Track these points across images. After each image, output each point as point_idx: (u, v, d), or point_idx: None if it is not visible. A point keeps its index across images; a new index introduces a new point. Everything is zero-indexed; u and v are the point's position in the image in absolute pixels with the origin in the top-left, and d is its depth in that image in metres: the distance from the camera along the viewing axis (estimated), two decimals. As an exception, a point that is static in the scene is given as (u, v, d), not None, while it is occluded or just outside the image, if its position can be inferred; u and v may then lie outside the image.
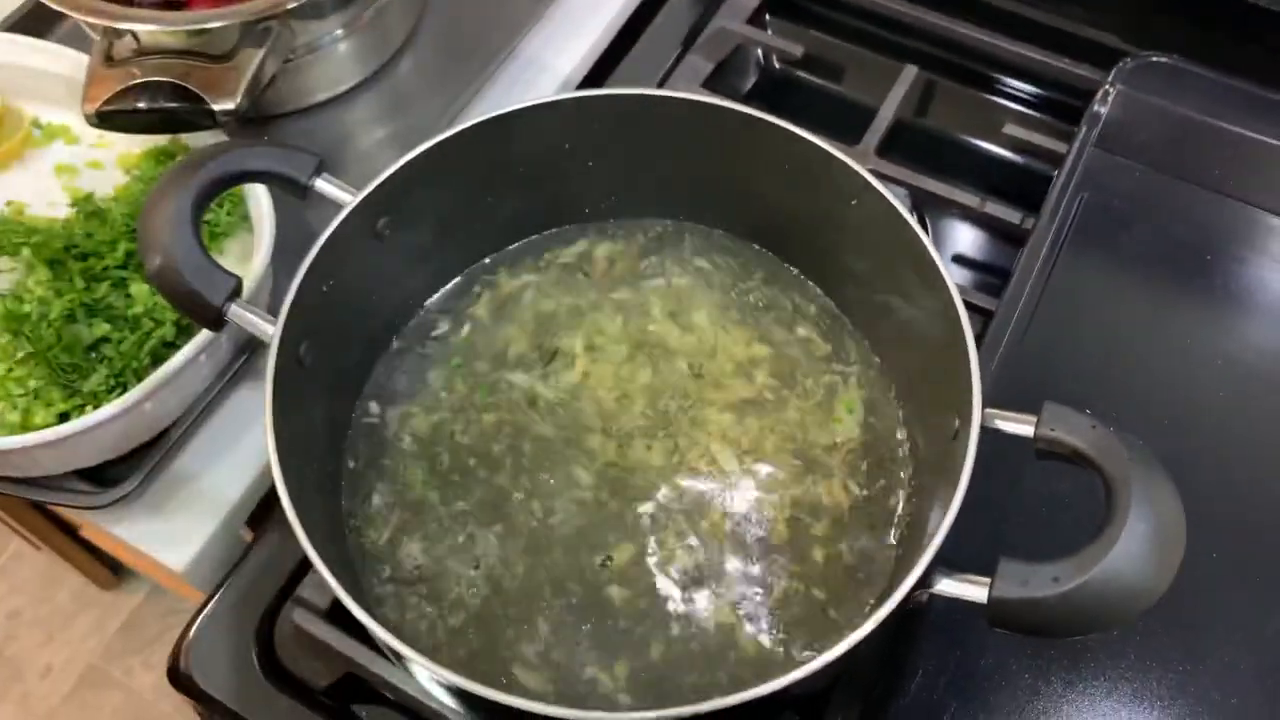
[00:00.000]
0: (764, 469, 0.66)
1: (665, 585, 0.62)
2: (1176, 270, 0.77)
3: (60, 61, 0.83)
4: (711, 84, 0.92)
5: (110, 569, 1.58)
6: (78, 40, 0.81)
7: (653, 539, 0.63)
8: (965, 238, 0.87)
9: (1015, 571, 0.49)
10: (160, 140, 0.81)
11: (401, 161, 0.63)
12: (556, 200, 0.74)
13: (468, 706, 0.60)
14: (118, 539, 0.72)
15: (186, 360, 0.67)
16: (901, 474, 0.66)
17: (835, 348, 0.71)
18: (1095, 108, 0.83)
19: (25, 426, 0.67)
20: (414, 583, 0.63)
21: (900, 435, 0.67)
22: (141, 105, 0.72)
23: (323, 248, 0.60)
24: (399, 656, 0.53)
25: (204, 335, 0.69)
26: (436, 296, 0.73)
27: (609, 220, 0.75)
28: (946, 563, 0.51)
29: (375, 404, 0.69)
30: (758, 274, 0.73)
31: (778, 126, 0.65)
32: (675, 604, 0.62)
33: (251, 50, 0.73)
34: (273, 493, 0.54)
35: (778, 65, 0.98)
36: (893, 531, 0.64)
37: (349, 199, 0.62)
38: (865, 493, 0.65)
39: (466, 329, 0.72)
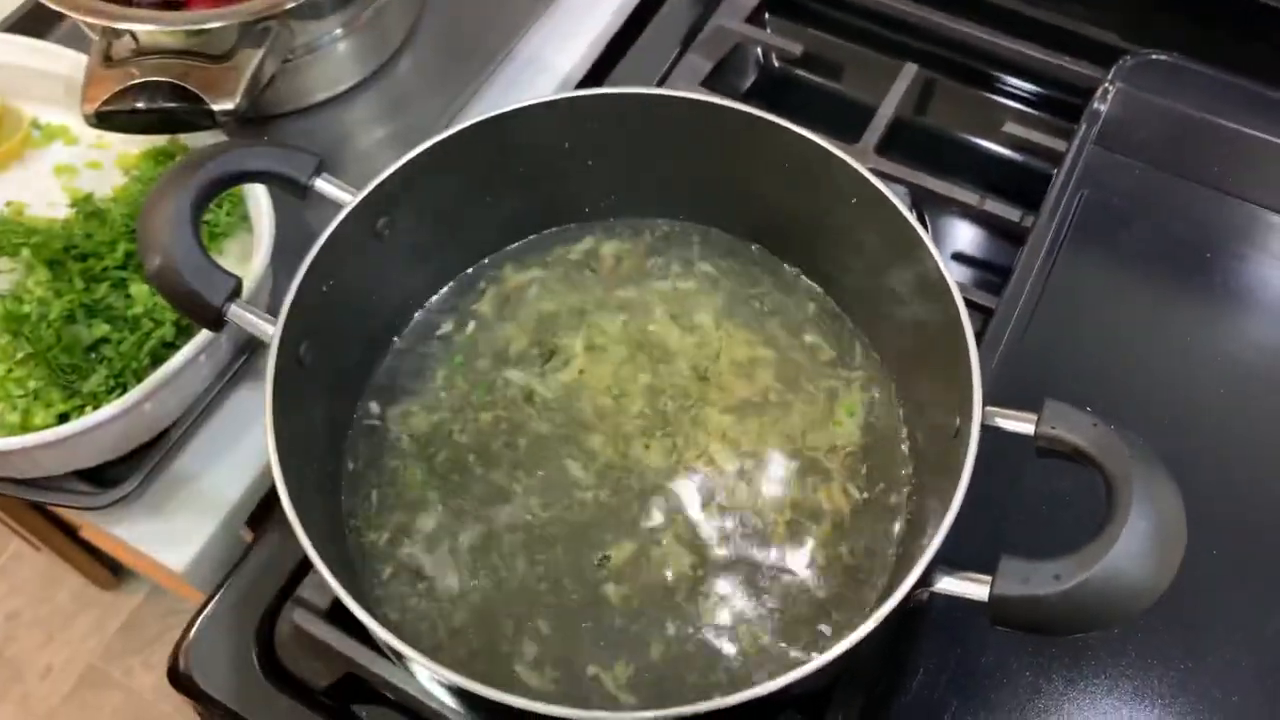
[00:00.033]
0: (764, 470, 0.66)
1: (664, 584, 0.62)
2: (1177, 268, 0.77)
3: (59, 62, 0.82)
4: (711, 83, 0.92)
5: (110, 569, 1.58)
6: (77, 40, 0.81)
7: (651, 538, 0.63)
8: (965, 236, 0.87)
9: (1016, 569, 0.49)
10: (159, 140, 0.81)
11: (401, 161, 0.63)
12: (556, 200, 0.74)
13: (469, 706, 0.60)
14: (118, 539, 0.72)
15: (186, 360, 0.67)
16: (902, 472, 0.66)
17: (840, 353, 0.70)
18: (1095, 105, 0.83)
19: (25, 427, 0.67)
20: (414, 582, 0.63)
21: (901, 434, 0.67)
22: (140, 105, 0.72)
23: (322, 248, 0.60)
24: (399, 656, 0.53)
25: (204, 335, 0.69)
26: (438, 296, 0.73)
27: (610, 219, 0.75)
28: (947, 561, 0.51)
29: (375, 404, 0.69)
30: (765, 279, 0.73)
31: (777, 125, 0.65)
32: (674, 603, 0.61)
33: (250, 50, 0.73)
34: (273, 493, 0.54)
35: (777, 64, 0.98)
36: (893, 530, 0.64)
37: (349, 199, 0.62)
38: (865, 495, 0.65)
39: (471, 326, 0.72)
